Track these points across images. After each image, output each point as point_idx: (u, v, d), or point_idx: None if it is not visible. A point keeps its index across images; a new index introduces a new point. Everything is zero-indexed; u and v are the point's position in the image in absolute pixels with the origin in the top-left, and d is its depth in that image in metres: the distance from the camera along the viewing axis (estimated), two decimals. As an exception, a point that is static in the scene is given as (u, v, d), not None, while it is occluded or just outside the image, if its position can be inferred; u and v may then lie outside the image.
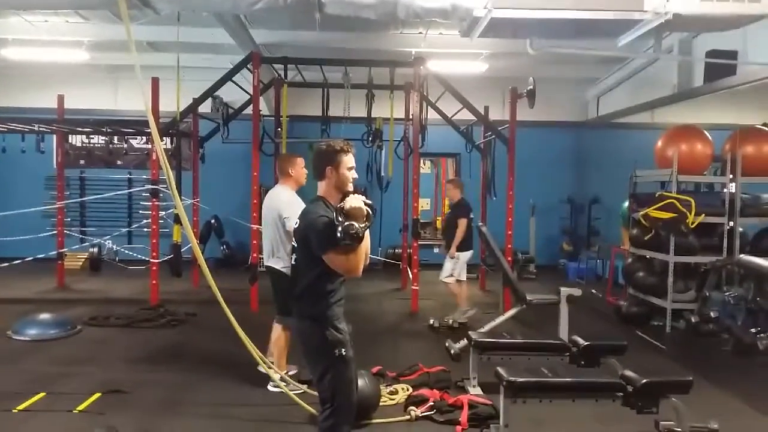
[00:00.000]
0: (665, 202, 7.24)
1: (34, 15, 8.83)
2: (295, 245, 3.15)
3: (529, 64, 10.00)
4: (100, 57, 10.40)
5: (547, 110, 11.49)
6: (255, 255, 8.04)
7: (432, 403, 4.57)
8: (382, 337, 6.83)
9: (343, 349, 3.01)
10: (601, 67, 11.22)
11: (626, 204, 8.93)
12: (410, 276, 8.85)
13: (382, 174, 9.68)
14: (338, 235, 2.80)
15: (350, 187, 3.13)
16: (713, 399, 5.02)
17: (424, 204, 15.17)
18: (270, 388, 4.84)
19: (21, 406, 4.52)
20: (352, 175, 3.14)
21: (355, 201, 2.87)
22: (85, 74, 11.63)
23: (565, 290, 5.98)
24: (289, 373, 5.02)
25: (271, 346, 5.12)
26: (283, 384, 4.65)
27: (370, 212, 2.89)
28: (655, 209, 7.33)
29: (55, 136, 9.89)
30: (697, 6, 5.27)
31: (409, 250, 9.73)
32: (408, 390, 4.92)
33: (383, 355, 5.91)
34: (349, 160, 3.11)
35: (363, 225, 2.82)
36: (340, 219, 2.82)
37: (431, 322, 7.26)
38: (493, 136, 9.10)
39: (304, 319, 3.08)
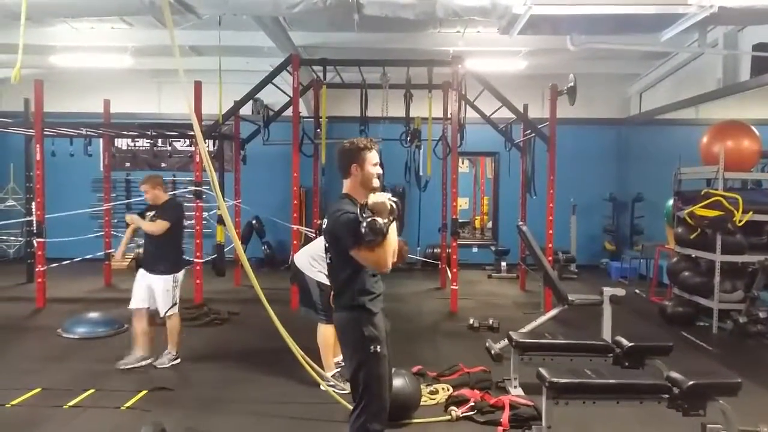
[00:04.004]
0: (711, 199, 7.07)
1: (80, 22, 9.09)
2: (327, 245, 3.18)
3: (569, 61, 9.88)
4: (144, 62, 10.63)
5: (588, 107, 11.36)
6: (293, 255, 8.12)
7: (473, 404, 4.55)
8: (422, 337, 6.83)
9: (378, 346, 3.03)
10: (643, 62, 11.03)
11: (671, 202, 8.76)
12: (449, 275, 8.82)
13: (421, 174, 9.68)
14: (362, 230, 2.83)
15: (376, 183, 3.15)
16: (762, 402, 4.88)
17: (463, 203, 15.16)
18: (322, 387, 4.85)
19: (71, 403, 4.66)
20: (377, 170, 3.15)
21: (379, 197, 2.90)
22: (130, 79, 11.90)
23: (608, 290, 5.90)
24: (339, 364, 5.12)
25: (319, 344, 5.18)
26: (325, 384, 4.69)
27: (395, 208, 2.90)
28: (700, 207, 7.16)
29: (101, 140, 10.15)
30: (744, -2, 5.14)
31: (448, 250, 9.71)
32: (448, 390, 4.91)
33: (423, 355, 5.92)
34: (373, 156, 3.14)
35: (386, 220, 2.83)
36: (363, 215, 2.85)
37: (471, 321, 7.22)
38: (533, 134, 9.01)
39: (342, 313, 3.12)
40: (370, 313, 3.07)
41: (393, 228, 2.90)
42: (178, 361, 5.65)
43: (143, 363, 5.52)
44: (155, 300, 5.57)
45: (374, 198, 2.89)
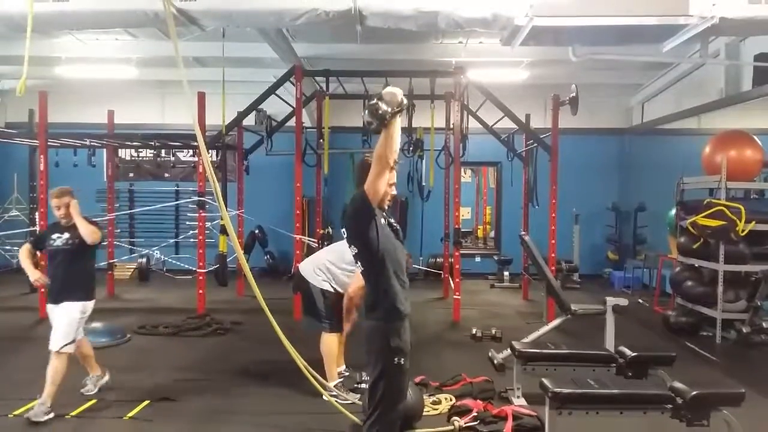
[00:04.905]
0: (714, 209, 7.08)
1: (85, 34, 9.15)
2: (355, 251, 3.19)
3: (571, 71, 9.91)
4: (148, 73, 10.70)
5: (590, 117, 11.39)
6: (298, 264, 8.13)
7: (476, 414, 4.53)
8: (425, 347, 6.81)
9: (403, 359, 3.07)
10: (645, 72, 11.05)
11: (673, 212, 8.76)
12: (452, 285, 8.82)
13: (423, 184, 9.69)
14: (364, 115, 2.83)
15: (388, 203, 3.18)
16: (766, 412, 4.87)
17: (465, 213, 15.15)
18: (325, 397, 4.84)
19: (74, 413, 4.66)
20: (392, 191, 3.17)
21: (392, 89, 2.87)
22: (134, 90, 11.97)
23: (611, 300, 5.88)
24: (342, 374, 5.16)
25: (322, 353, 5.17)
26: (328, 395, 4.68)
27: (404, 102, 2.86)
28: (703, 217, 7.16)
29: (105, 151, 10.20)
30: (745, 9, 5.15)
31: (450, 260, 9.71)
32: (451, 400, 4.90)
33: (426, 365, 5.90)
34: (392, 176, 3.15)
35: (391, 109, 2.80)
36: (371, 102, 2.84)
37: (474, 331, 7.21)
38: (535, 144, 9.03)
39: (373, 321, 3.15)
40: (401, 318, 3.10)
41: (397, 125, 2.86)
42: (52, 415, 4.54)
43: (105, 380, 5.14)
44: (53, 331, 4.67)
45: (387, 89, 2.87)
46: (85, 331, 5.17)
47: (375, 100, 2.80)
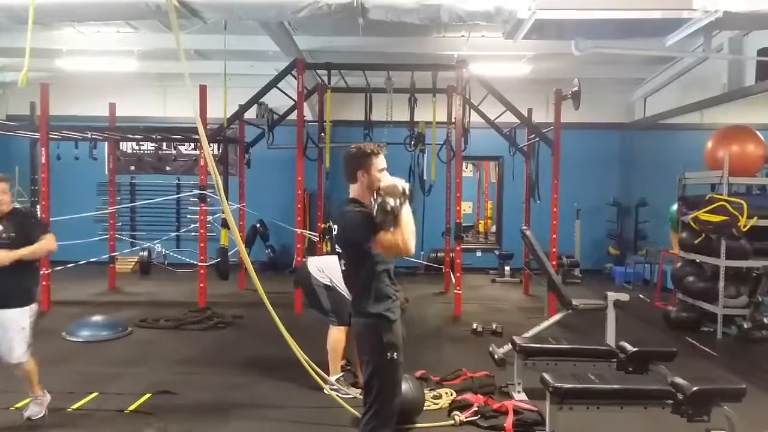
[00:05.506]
0: (716, 204, 7.07)
1: (86, 26, 9.12)
2: (340, 251, 3.19)
3: (574, 65, 9.88)
4: (149, 66, 10.66)
5: (593, 112, 11.35)
6: (299, 258, 8.15)
7: (476, 409, 4.55)
8: (426, 341, 6.82)
9: (396, 353, 3.07)
10: (647, 67, 11.01)
11: (675, 207, 8.75)
12: (453, 280, 8.81)
13: (425, 178, 9.68)
14: (374, 212, 2.85)
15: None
16: (767, 407, 4.87)
17: (467, 207, 15.15)
18: (326, 390, 4.85)
19: (75, 406, 4.67)
20: (383, 176, 3.16)
21: (390, 180, 2.92)
22: (135, 83, 11.94)
23: (612, 295, 5.88)
24: (343, 368, 5.17)
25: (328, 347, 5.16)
26: (328, 388, 4.69)
27: (406, 190, 2.90)
28: (705, 212, 7.16)
29: (106, 144, 10.19)
30: (749, 3, 5.13)
31: (451, 254, 9.71)
32: (452, 395, 4.90)
33: (427, 359, 5.91)
34: (379, 161, 3.13)
35: (397, 201, 2.83)
36: (375, 198, 2.87)
37: (474, 326, 7.22)
38: (537, 139, 9.01)
39: (362, 319, 3.13)
40: (390, 321, 3.09)
41: (408, 210, 2.89)
42: (49, 397, 4.51)
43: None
44: (3, 341, 4.20)
45: (386, 181, 2.91)
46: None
47: (380, 198, 2.83)
